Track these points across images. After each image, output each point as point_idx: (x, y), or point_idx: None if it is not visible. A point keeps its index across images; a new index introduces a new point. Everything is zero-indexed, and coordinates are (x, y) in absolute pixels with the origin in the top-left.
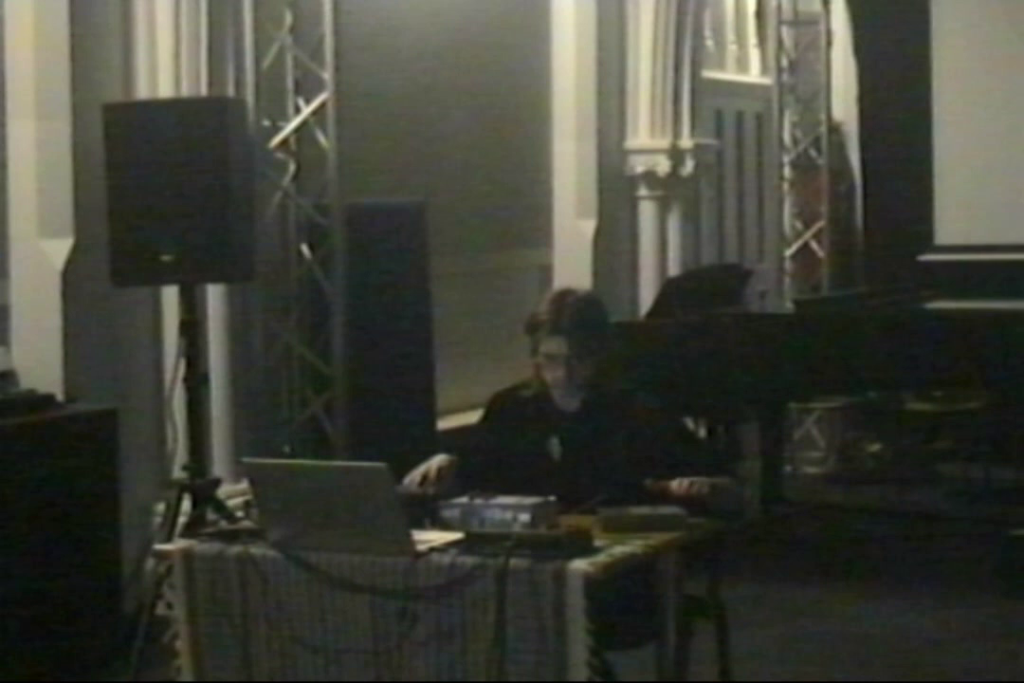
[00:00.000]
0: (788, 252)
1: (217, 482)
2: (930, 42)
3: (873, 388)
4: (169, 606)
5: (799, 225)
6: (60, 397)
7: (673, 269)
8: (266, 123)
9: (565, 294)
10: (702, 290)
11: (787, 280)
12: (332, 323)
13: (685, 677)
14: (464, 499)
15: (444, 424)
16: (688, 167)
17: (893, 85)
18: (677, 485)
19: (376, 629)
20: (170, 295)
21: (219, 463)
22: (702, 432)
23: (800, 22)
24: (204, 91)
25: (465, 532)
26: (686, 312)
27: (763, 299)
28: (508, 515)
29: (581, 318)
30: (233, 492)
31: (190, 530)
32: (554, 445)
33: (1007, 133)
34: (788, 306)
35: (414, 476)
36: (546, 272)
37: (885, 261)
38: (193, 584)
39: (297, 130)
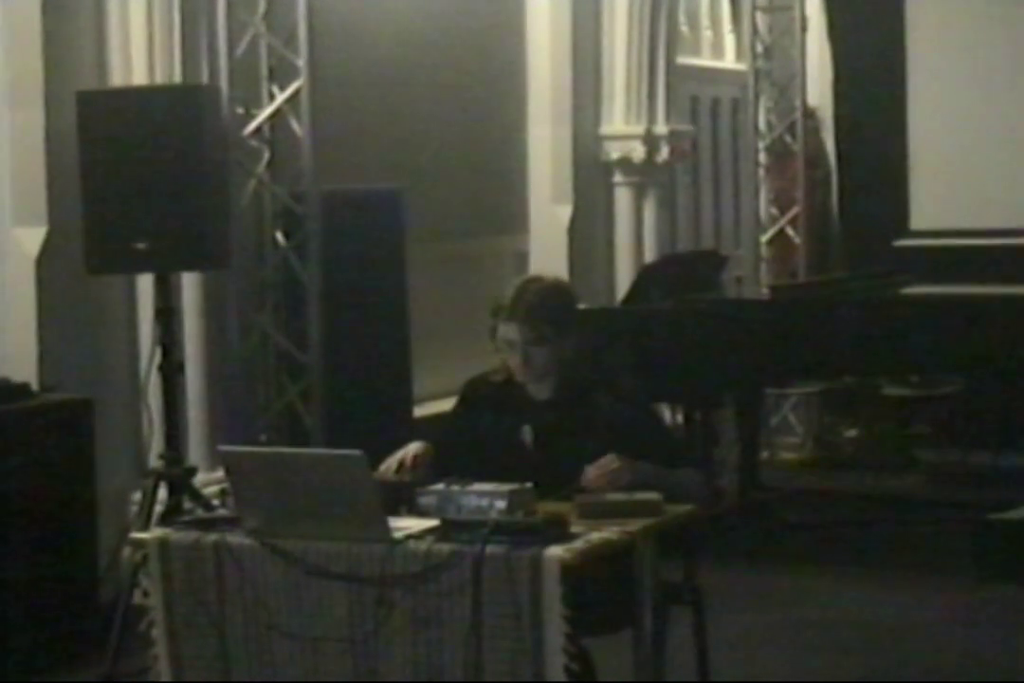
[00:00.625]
0: (764, 238)
1: (193, 470)
2: (904, 27)
3: (850, 373)
4: (145, 594)
5: (775, 211)
6: (35, 386)
7: (649, 255)
8: (240, 110)
9: (530, 281)
10: (678, 276)
11: (763, 266)
12: (308, 310)
13: (662, 663)
14: (440, 486)
15: (420, 411)
16: (663, 154)
17: (867, 70)
18: (589, 476)
19: (353, 616)
20: (145, 283)
21: (195, 451)
22: (679, 418)
23: (775, 7)
24: (178, 78)
25: (441, 519)
26: (662, 298)
27: (739, 285)
28: (485, 502)
29: (538, 305)
30: (209, 480)
31: (166, 518)
32: (527, 433)
33: (983, 117)
34: (764, 292)
35: (390, 463)
36: (522, 258)
37: (861, 246)
38: (169, 572)
39: (271, 117)
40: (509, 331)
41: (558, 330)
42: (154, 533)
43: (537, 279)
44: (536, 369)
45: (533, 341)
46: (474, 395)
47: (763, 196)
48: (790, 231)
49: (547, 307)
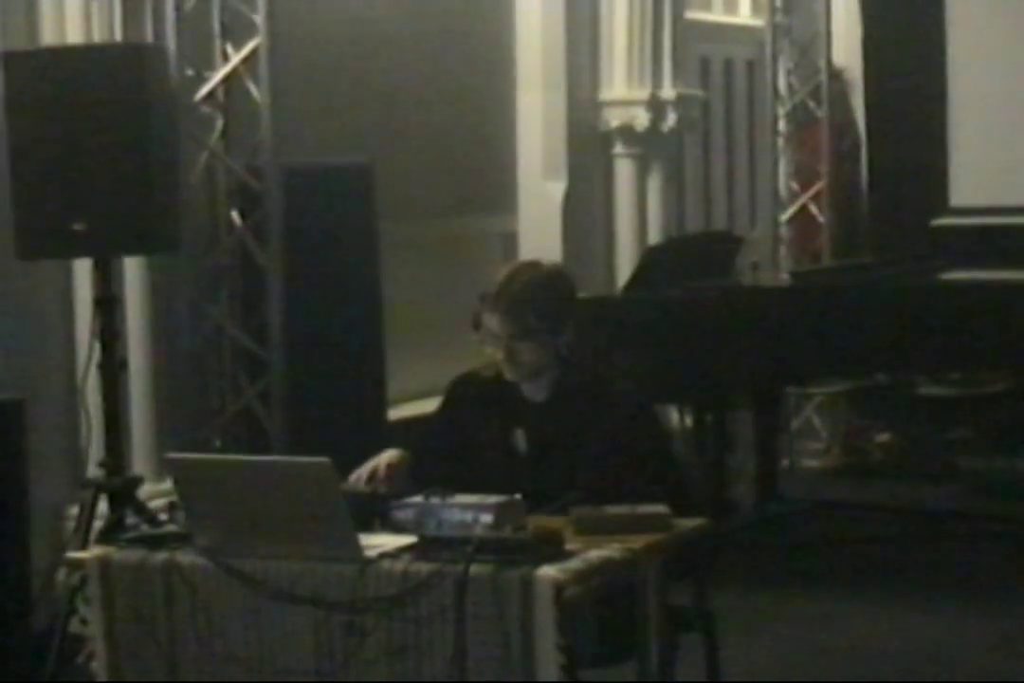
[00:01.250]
0: (784, 217)
1: (138, 481)
2: None
3: (881, 370)
4: (84, 622)
5: (796, 186)
6: None
7: (654, 237)
8: (190, 73)
9: (521, 268)
10: (686, 260)
11: (783, 249)
12: (268, 300)
13: None
14: (419, 498)
15: (396, 414)
16: (670, 121)
17: (902, 26)
18: None
19: (320, 646)
20: (83, 270)
21: (140, 459)
22: (688, 421)
23: None
24: (118, 37)
25: (420, 535)
26: (668, 285)
27: (756, 270)
28: (468, 516)
29: (523, 296)
30: (156, 492)
31: (107, 535)
32: (520, 438)
33: None
34: (784, 278)
35: (362, 472)
36: (510, 241)
37: (893, 226)
38: (111, 597)
39: (225, 80)
40: (492, 322)
41: (550, 323)
42: (94, 552)
43: (531, 266)
44: (522, 366)
45: (517, 335)
46: (460, 395)
47: (783, 169)
48: (813, 209)
49: (535, 298)
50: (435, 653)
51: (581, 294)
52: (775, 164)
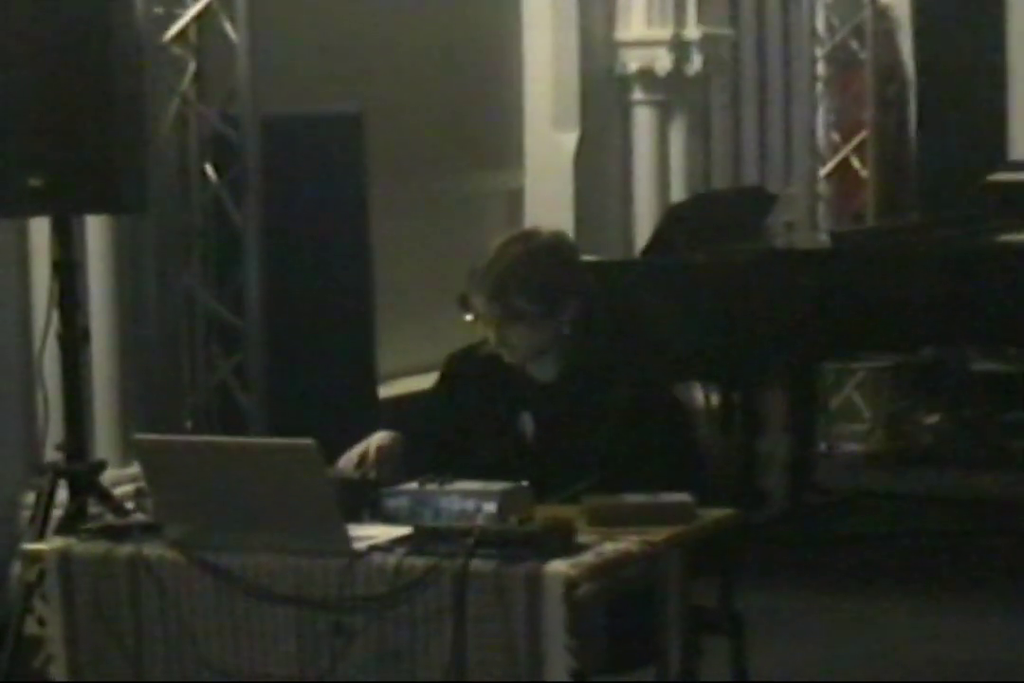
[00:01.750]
0: (822, 171)
1: (101, 465)
2: None
3: (930, 343)
4: (41, 623)
5: (836, 137)
6: None
7: (677, 193)
8: (158, 10)
9: (510, 243)
10: (713, 220)
11: (821, 207)
12: (245, 265)
13: None
14: (413, 485)
15: (387, 391)
16: (695, 64)
17: None
18: None
19: (303, 649)
20: (40, 230)
21: (103, 441)
22: (713, 401)
23: None
24: None
25: (415, 526)
26: (693, 248)
27: (791, 231)
28: (469, 505)
29: (508, 278)
30: (121, 478)
31: (67, 526)
32: (526, 421)
33: None
34: (823, 240)
35: (350, 456)
36: (516, 199)
37: (945, 182)
38: (72, 594)
39: (198, 18)
40: (480, 303)
41: (543, 305)
42: (52, 544)
43: (523, 238)
44: (516, 350)
45: (505, 319)
46: (459, 372)
47: (821, 118)
48: (855, 162)
49: (525, 277)
50: (431, 657)
51: (594, 258)
52: (813, 112)
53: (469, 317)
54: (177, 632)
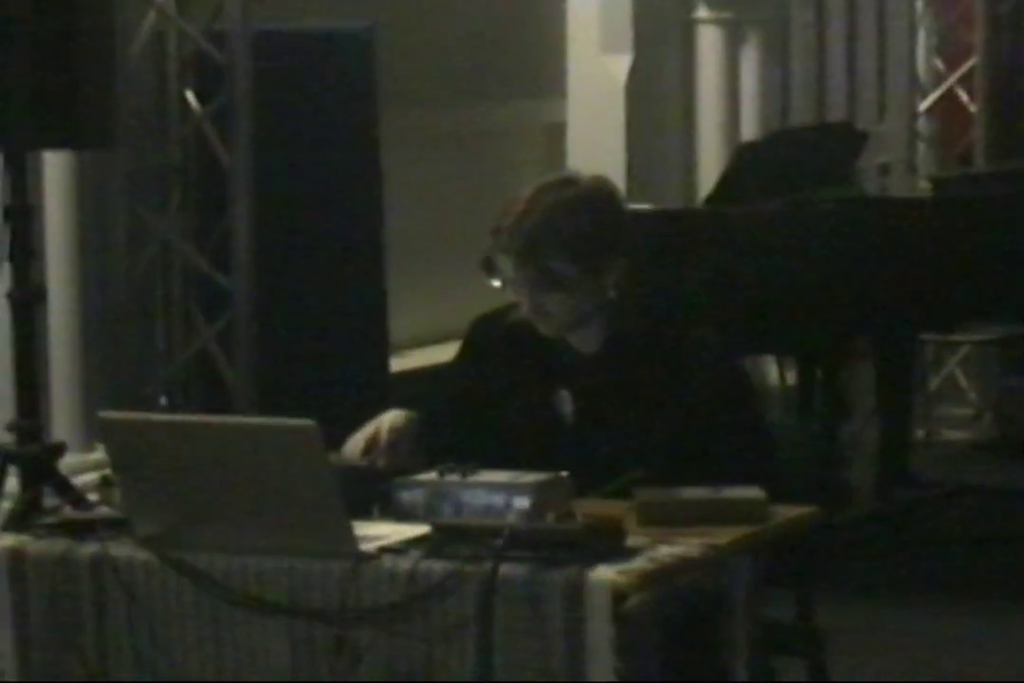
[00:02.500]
0: (923, 105)
1: (59, 449)
2: None
3: None
4: None
5: (939, 64)
6: None
7: (748, 130)
8: None
9: (541, 192)
10: (792, 162)
11: (921, 147)
12: (232, 211)
13: None
14: (432, 475)
15: (400, 364)
16: None
17: None
18: None
19: (298, 668)
20: None
21: (61, 421)
22: (789, 378)
23: None
24: None
25: (433, 524)
26: (767, 195)
27: (884, 176)
28: (498, 499)
29: (544, 234)
30: (83, 464)
31: (19, 520)
32: (565, 399)
33: None
34: (923, 186)
35: (356, 440)
36: (556, 134)
37: None
38: (25, 599)
39: None
40: (507, 267)
41: (584, 265)
42: (2, 542)
43: (557, 186)
44: (553, 321)
45: (540, 285)
46: (485, 342)
47: (922, 42)
48: (962, 94)
49: (560, 234)
50: (452, 679)
51: (647, 207)
52: (912, 34)
53: (496, 282)
54: (148, 646)
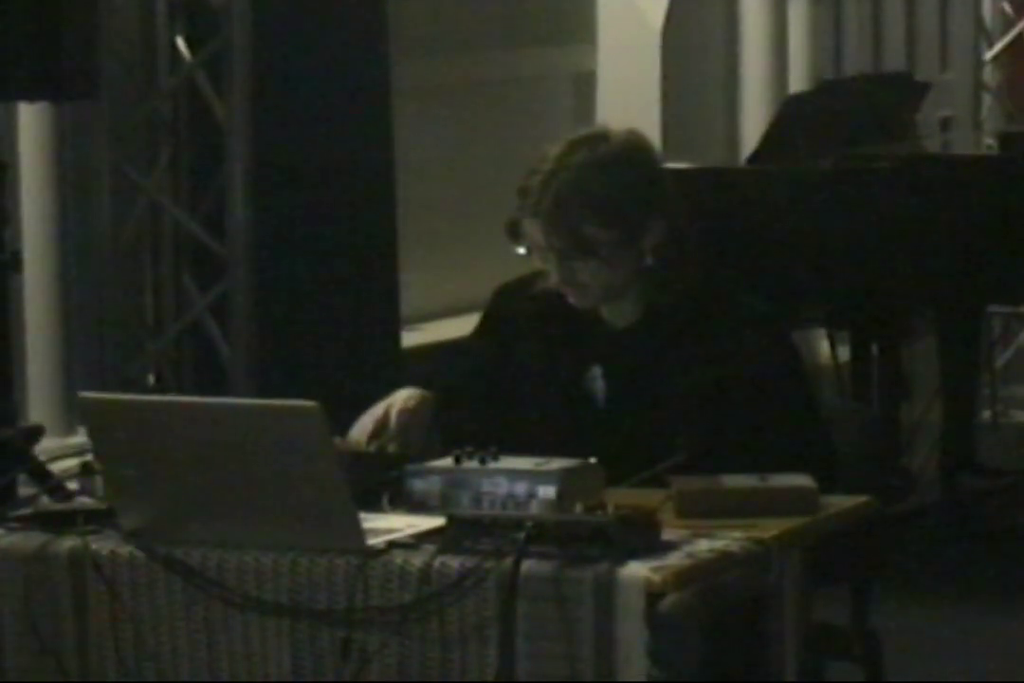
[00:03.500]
0: (989, 54)
1: (35, 432)
2: None
3: None
4: None
5: (1008, 8)
6: None
7: (797, 82)
8: None
9: (577, 147)
10: (845, 116)
11: (988, 99)
12: (228, 171)
13: None
14: (448, 462)
15: (412, 339)
16: None
17: None
18: None
19: (300, 674)
20: None
21: (38, 402)
22: (842, 355)
23: None
24: None
25: (449, 516)
26: (818, 153)
27: (947, 131)
28: (521, 488)
29: (576, 195)
30: (62, 448)
31: None
32: (596, 377)
33: None
34: (989, 143)
35: (364, 423)
36: (585, 85)
37: None
38: None
39: None
40: (535, 233)
41: (621, 228)
42: None
43: (589, 141)
44: (585, 291)
45: (571, 252)
46: (508, 314)
47: None
48: None
49: (591, 198)
50: None
51: (686, 165)
52: None
53: (521, 250)
54: (134, 651)
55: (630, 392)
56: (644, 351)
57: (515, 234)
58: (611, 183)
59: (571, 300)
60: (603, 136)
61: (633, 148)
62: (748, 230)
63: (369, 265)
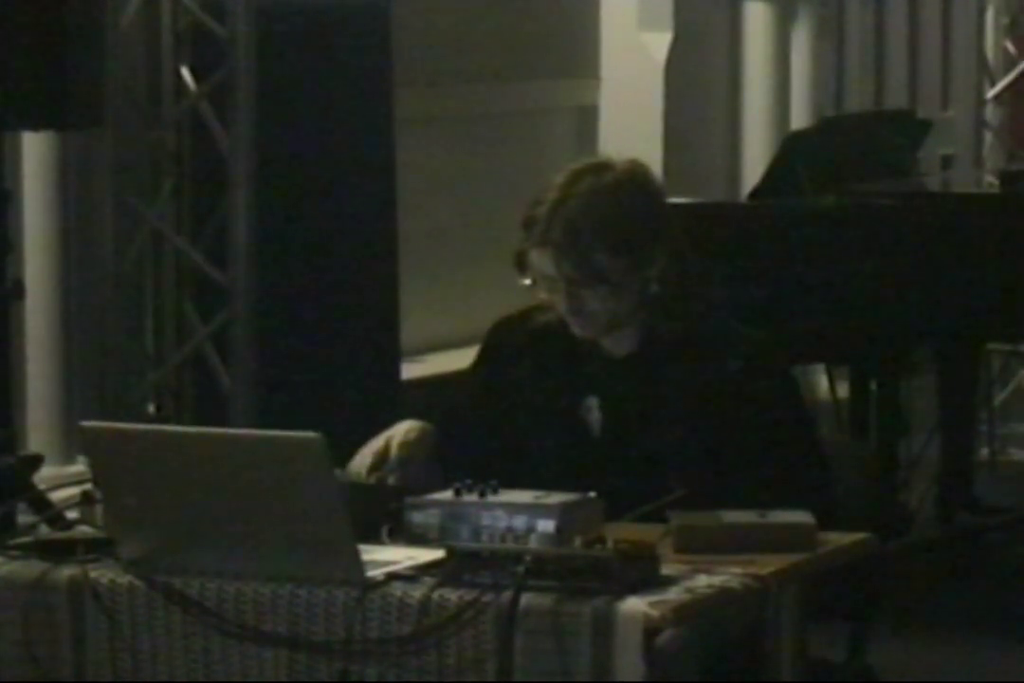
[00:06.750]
0: (991, 92)
1: (35, 461)
2: None
3: None
4: None
5: (1010, 47)
6: None
7: (799, 118)
8: None
9: (577, 177)
10: (846, 153)
11: (989, 137)
12: (231, 200)
13: None
14: (447, 494)
15: (412, 371)
16: None
17: None
18: None
19: None
20: None
21: (38, 430)
22: (840, 392)
23: None
24: None
25: (448, 549)
26: (818, 189)
27: (948, 169)
28: (520, 521)
29: (584, 223)
30: (62, 478)
31: None
32: (592, 409)
33: None
34: (990, 181)
35: (365, 455)
36: (588, 118)
37: None
38: None
39: None
40: (543, 262)
41: (627, 257)
42: None
43: (594, 170)
44: (591, 320)
45: (578, 280)
46: (506, 346)
47: (990, 21)
48: None
49: (600, 225)
50: None
51: (687, 200)
52: (980, 13)
53: (527, 281)
54: (131, 678)
55: (626, 422)
56: (641, 380)
57: (523, 265)
58: (620, 210)
59: (575, 330)
60: (607, 165)
61: (637, 176)
62: (749, 266)
63: (370, 296)
